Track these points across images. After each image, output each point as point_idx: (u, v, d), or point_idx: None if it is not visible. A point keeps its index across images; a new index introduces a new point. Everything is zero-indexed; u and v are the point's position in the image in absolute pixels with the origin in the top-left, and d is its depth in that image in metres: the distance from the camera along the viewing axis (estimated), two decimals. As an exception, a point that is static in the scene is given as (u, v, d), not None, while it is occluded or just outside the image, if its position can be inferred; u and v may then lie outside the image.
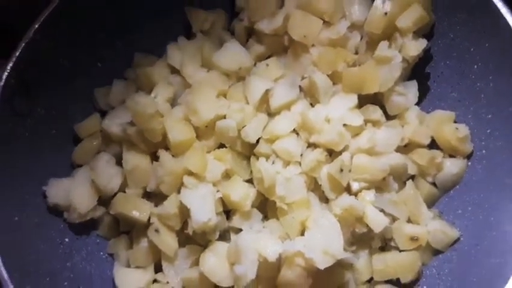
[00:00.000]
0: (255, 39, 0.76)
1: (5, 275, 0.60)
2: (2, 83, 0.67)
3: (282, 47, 0.74)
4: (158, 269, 0.70)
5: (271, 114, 0.71)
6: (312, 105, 0.71)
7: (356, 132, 0.68)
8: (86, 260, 0.71)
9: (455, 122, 0.70)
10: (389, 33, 0.68)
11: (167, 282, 0.68)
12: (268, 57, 0.75)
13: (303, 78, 0.72)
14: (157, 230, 0.67)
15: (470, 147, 0.69)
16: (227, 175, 0.69)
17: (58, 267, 0.68)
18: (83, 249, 0.71)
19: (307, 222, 0.65)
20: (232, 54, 0.73)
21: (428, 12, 0.67)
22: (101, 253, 0.72)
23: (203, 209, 0.64)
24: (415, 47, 0.68)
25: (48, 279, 0.65)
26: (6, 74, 0.68)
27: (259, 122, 0.70)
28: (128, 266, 0.70)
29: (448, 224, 0.68)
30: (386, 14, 0.67)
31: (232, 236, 0.68)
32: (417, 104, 0.71)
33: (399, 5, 0.67)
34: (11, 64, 0.68)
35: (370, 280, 0.67)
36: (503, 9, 0.63)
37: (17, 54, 0.68)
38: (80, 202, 0.69)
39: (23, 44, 0.69)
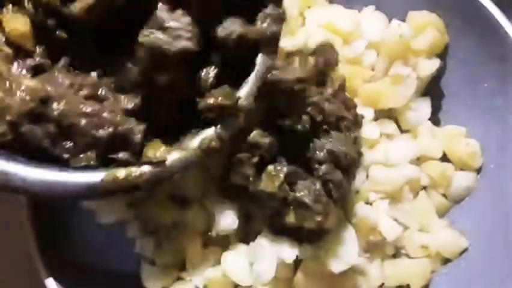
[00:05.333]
0: (276, 54, 0.80)
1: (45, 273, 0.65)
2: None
3: (302, 62, 0.78)
4: (181, 267, 0.73)
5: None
6: (329, 118, 0.75)
7: (372, 144, 0.71)
8: (116, 258, 0.75)
9: (465, 137, 0.73)
10: (404, 53, 0.72)
11: (191, 280, 0.71)
12: (289, 71, 0.79)
13: (321, 92, 0.76)
14: (182, 232, 0.71)
15: (480, 161, 0.72)
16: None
17: (91, 264, 0.72)
18: (113, 248, 0.75)
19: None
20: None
21: (442, 35, 0.71)
22: (130, 252, 0.76)
23: (227, 214, 0.68)
24: (429, 67, 0.71)
25: (83, 275, 0.70)
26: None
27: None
28: (154, 264, 0.74)
29: (458, 234, 0.71)
30: (401, 36, 0.70)
31: (252, 238, 0.71)
32: (430, 119, 0.74)
33: (414, 28, 0.71)
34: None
35: (381, 285, 0.70)
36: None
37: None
38: (111, 205, 0.73)
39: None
